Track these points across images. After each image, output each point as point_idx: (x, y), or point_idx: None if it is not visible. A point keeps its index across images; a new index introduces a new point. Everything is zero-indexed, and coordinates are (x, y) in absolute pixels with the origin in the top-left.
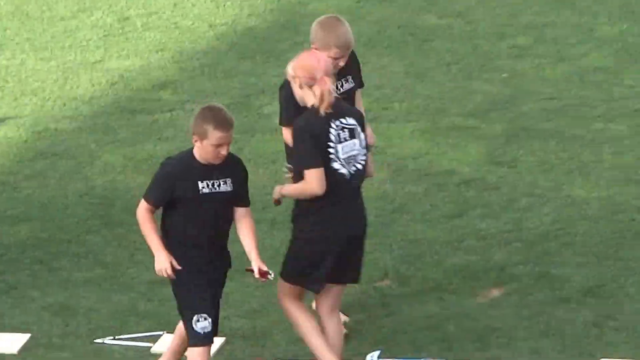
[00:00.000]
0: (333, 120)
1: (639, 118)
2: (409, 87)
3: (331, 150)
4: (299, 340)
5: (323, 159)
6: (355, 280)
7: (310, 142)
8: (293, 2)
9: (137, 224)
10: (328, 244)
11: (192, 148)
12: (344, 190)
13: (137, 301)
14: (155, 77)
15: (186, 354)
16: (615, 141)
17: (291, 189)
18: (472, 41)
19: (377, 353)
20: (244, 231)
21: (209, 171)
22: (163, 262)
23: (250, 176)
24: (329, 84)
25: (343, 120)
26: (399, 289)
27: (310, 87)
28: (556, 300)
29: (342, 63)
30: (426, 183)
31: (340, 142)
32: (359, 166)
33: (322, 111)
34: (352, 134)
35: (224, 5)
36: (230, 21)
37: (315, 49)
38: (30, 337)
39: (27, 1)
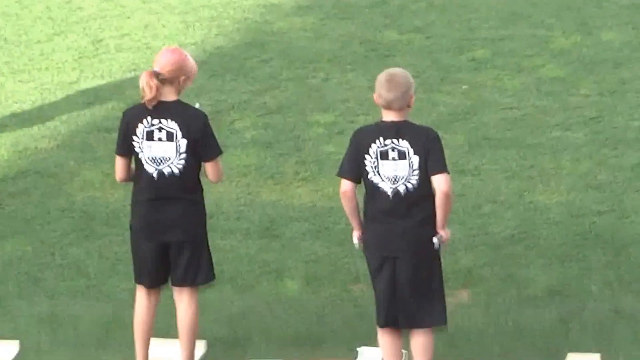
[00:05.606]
0: None
1: (594, 126)
2: (373, 101)
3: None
4: (278, 343)
5: None
6: None
7: None
8: (259, 22)
9: (117, 234)
10: None
11: None
12: None
13: (120, 310)
14: (129, 96)
15: None
16: (573, 149)
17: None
18: (432, 55)
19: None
20: None
21: None
22: None
23: (223, 189)
24: None
25: None
26: (370, 292)
27: None
28: (523, 300)
29: None
30: None
31: None
32: None
33: None
34: None
35: (193, 26)
36: (200, 41)
37: None
38: (20, 346)
39: (4, 26)
